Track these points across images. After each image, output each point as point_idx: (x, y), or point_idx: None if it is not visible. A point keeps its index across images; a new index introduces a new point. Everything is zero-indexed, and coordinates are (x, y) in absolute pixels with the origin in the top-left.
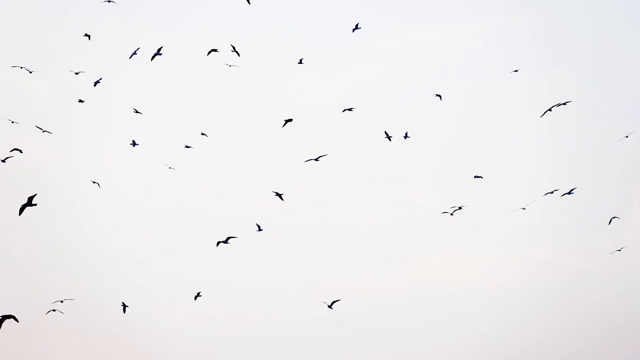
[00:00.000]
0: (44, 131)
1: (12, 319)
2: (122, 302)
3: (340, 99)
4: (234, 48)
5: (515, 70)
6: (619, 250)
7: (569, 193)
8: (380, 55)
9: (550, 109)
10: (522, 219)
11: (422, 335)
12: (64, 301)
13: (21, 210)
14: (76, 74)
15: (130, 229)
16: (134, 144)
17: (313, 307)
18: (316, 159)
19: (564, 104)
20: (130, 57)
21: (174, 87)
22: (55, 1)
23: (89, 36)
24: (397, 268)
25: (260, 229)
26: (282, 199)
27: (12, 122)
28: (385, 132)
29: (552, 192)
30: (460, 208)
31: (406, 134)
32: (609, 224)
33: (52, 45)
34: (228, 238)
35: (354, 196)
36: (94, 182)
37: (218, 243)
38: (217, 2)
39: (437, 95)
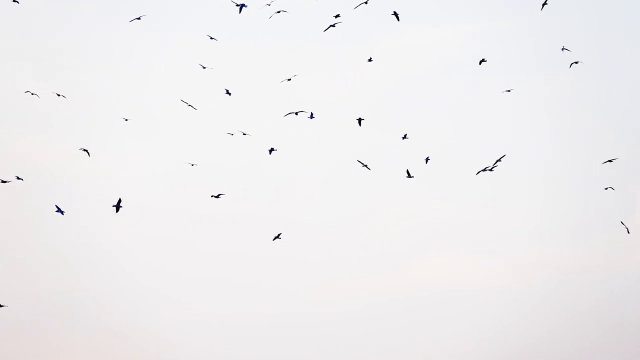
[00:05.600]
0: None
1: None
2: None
3: (341, 99)
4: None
5: None
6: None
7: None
8: (380, 55)
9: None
10: (522, 219)
11: (423, 335)
12: None
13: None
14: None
15: (135, 229)
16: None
17: (314, 307)
18: (296, 113)
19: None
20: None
21: (178, 87)
22: (58, 3)
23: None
24: (398, 268)
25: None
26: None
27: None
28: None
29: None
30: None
31: (405, 135)
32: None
33: (54, 46)
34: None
35: (354, 196)
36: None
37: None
38: (219, 3)
39: (482, 61)
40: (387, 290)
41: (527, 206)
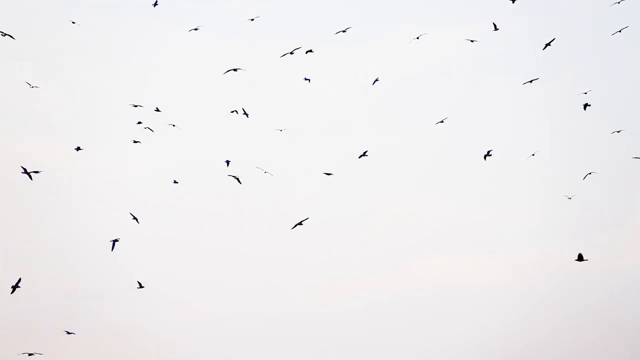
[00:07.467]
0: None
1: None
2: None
3: (341, 99)
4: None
5: None
6: None
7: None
8: (380, 55)
9: None
10: (522, 219)
11: (423, 335)
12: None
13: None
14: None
15: (135, 229)
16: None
17: (314, 307)
18: (235, 70)
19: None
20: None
21: (179, 87)
22: (58, 2)
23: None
24: (398, 268)
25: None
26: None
27: None
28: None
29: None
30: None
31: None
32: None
33: (54, 46)
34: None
35: (354, 196)
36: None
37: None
38: (220, 3)
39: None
40: (387, 290)
41: (527, 206)
